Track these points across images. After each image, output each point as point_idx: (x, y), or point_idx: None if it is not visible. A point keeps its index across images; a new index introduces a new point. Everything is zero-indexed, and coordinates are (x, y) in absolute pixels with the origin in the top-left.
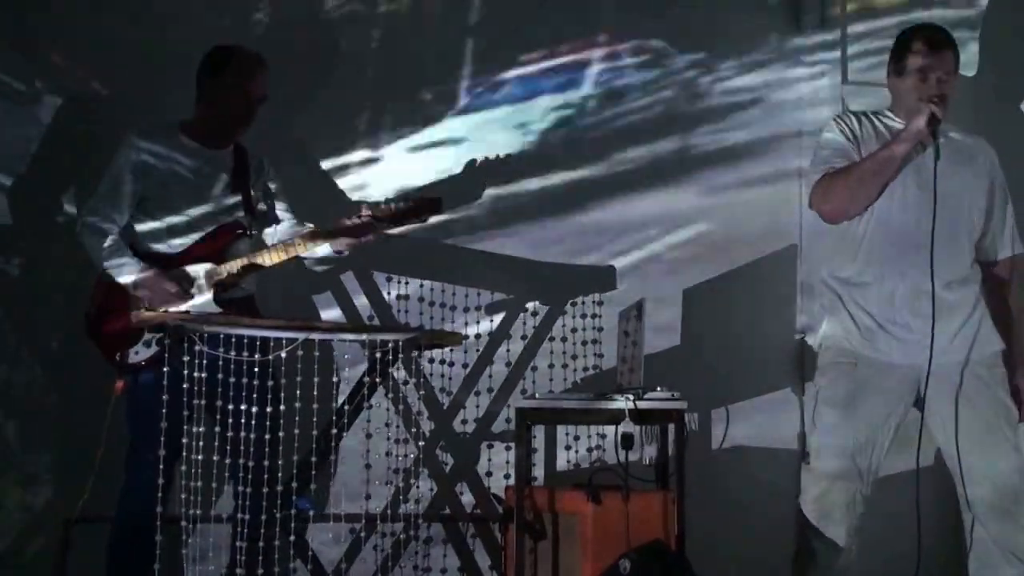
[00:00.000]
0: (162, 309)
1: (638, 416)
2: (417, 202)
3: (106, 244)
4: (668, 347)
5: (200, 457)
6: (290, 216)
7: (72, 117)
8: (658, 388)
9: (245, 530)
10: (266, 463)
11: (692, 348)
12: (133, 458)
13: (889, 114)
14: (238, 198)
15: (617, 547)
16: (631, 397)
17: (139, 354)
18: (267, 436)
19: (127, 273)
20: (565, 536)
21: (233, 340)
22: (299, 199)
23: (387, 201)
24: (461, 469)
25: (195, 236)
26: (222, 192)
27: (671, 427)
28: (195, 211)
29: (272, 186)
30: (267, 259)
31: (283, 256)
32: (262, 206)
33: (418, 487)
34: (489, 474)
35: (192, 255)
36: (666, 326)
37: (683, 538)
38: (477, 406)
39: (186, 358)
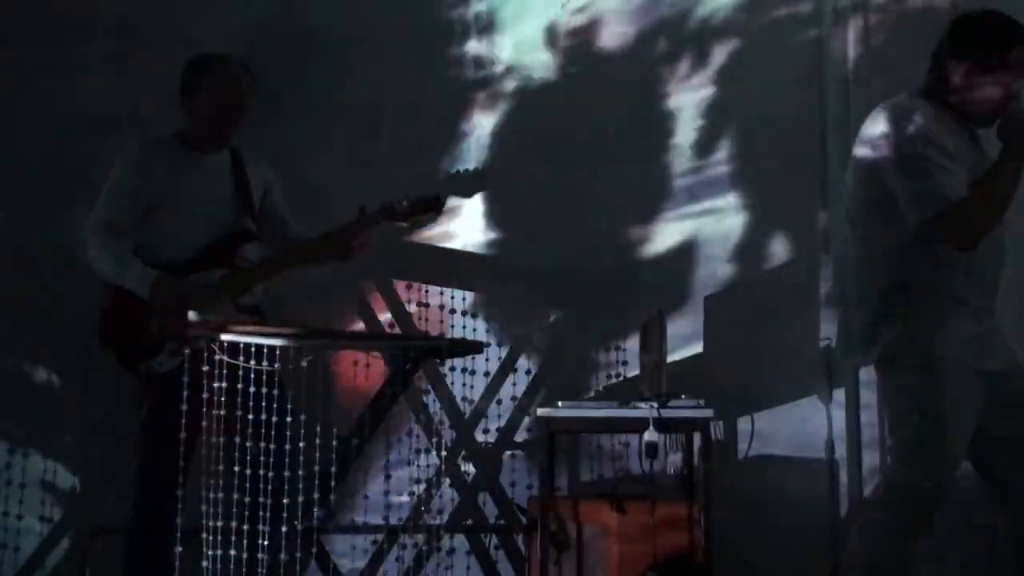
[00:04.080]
0: (191, 317)
1: (662, 425)
2: (416, 200)
3: (114, 257)
4: (691, 354)
5: (221, 468)
6: (293, 220)
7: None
8: (682, 396)
9: (265, 542)
10: (287, 474)
11: (715, 355)
12: (150, 468)
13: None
14: (240, 203)
15: (642, 558)
16: (655, 405)
17: (163, 364)
18: (287, 447)
19: (142, 283)
20: (590, 547)
21: (252, 349)
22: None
23: (387, 203)
24: (483, 479)
25: (201, 243)
26: (224, 197)
27: (696, 436)
28: (199, 217)
29: (273, 190)
30: (275, 267)
31: (291, 264)
32: (268, 210)
33: (440, 497)
34: (512, 484)
35: (201, 263)
36: (688, 333)
37: (710, 549)
38: (499, 415)
39: (205, 367)
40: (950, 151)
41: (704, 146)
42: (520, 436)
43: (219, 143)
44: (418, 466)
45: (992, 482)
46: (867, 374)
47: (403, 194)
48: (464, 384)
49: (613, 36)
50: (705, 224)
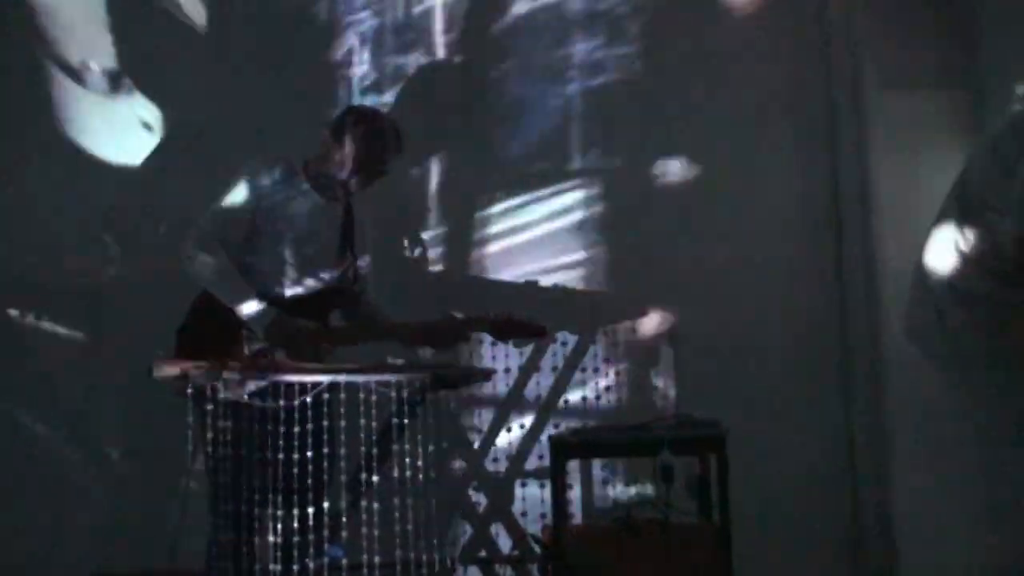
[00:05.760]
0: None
1: (677, 446)
2: (523, 323)
3: (217, 266)
4: (703, 368)
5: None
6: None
7: None
8: (695, 414)
9: None
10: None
11: (727, 368)
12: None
13: None
14: (344, 256)
15: None
16: (669, 426)
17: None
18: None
19: (244, 303)
20: (607, 575)
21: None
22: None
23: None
24: (496, 509)
25: (297, 286)
26: (331, 246)
27: (712, 455)
28: (301, 258)
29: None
30: (365, 335)
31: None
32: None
33: (452, 530)
34: (524, 514)
35: (298, 307)
36: (700, 348)
37: (730, 572)
38: (509, 443)
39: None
40: None
41: None
42: (531, 464)
43: (338, 195)
44: (429, 499)
45: None
46: (894, 379)
47: (508, 312)
48: (472, 413)
49: None
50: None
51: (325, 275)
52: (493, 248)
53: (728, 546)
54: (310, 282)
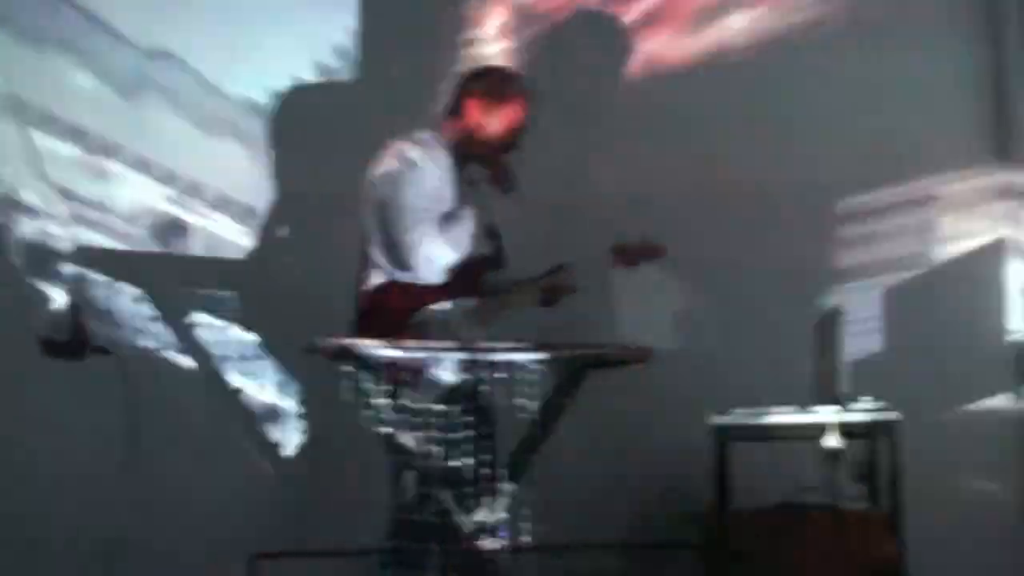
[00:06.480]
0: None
1: (845, 430)
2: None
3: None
4: (867, 354)
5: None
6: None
7: None
8: (864, 398)
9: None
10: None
11: (894, 354)
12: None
13: None
14: (482, 226)
15: (829, 573)
16: (838, 409)
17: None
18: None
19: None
20: (771, 562)
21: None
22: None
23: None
24: (654, 493)
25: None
26: (470, 217)
27: (881, 440)
28: (449, 234)
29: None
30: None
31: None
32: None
33: (608, 513)
34: (686, 498)
35: (452, 287)
36: (865, 330)
37: (902, 562)
38: (669, 424)
39: None
40: None
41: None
42: (693, 447)
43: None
44: (583, 480)
45: None
46: None
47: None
48: (628, 393)
49: None
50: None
51: (474, 243)
52: None
53: (901, 533)
54: (463, 252)
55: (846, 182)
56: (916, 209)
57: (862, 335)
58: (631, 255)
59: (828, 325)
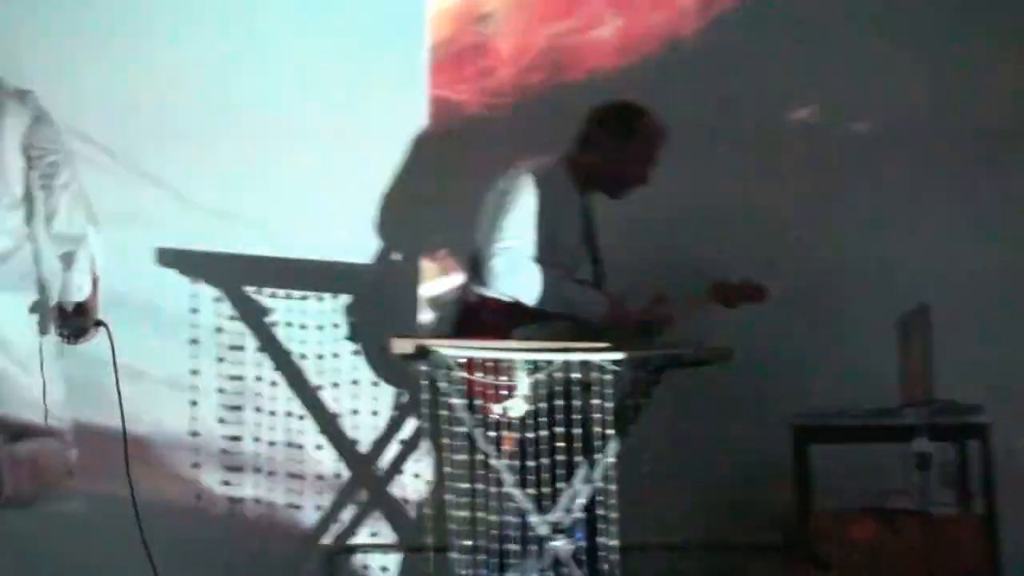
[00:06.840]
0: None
1: (934, 432)
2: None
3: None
4: (954, 355)
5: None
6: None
7: None
8: (953, 400)
9: None
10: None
11: (984, 353)
12: None
13: None
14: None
15: None
16: (926, 412)
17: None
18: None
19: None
20: (856, 568)
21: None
22: None
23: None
24: (731, 496)
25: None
26: (582, 243)
27: (972, 443)
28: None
29: None
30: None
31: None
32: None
33: (685, 515)
34: (763, 501)
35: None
36: (950, 328)
37: (998, 569)
38: (747, 426)
39: None
40: None
41: None
42: (771, 450)
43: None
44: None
45: None
46: None
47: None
48: (703, 395)
49: None
50: None
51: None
52: None
53: (995, 538)
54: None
55: None
56: None
57: (951, 333)
58: (731, 295)
59: (915, 323)
